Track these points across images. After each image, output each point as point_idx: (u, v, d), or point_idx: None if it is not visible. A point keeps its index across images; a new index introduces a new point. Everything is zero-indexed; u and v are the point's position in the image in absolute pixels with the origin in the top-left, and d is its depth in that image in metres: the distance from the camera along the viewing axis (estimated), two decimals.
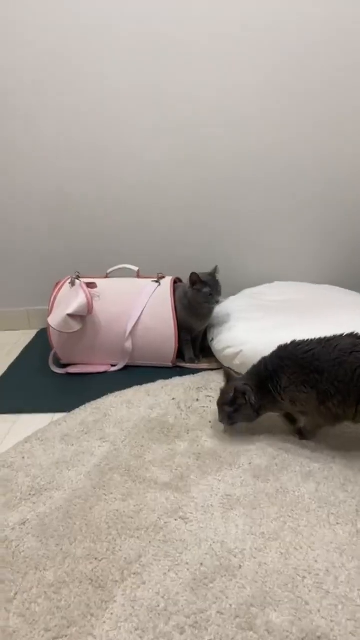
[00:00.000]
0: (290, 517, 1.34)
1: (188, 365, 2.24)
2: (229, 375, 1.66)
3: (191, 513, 1.36)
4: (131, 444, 1.69)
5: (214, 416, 1.78)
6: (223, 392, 1.62)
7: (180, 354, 2.26)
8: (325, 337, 1.55)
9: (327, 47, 2.31)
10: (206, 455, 1.60)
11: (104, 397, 2.00)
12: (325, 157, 2.51)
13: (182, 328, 2.22)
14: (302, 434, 1.64)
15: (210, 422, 1.77)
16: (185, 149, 2.49)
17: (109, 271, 2.35)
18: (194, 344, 2.30)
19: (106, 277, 2.35)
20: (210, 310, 2.20)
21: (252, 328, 2.05)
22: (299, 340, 1.58)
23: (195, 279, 2.14)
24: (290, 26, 2.28)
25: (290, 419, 1.71)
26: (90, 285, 2.19)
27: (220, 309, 2.34)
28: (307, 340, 1.56)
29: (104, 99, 2.40)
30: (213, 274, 2.14)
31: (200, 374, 2.15)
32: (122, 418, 1.85)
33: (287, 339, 1.62)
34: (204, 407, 1.87)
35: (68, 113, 2.42)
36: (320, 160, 2.52)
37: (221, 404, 1.62)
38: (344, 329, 1.56)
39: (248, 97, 2.40)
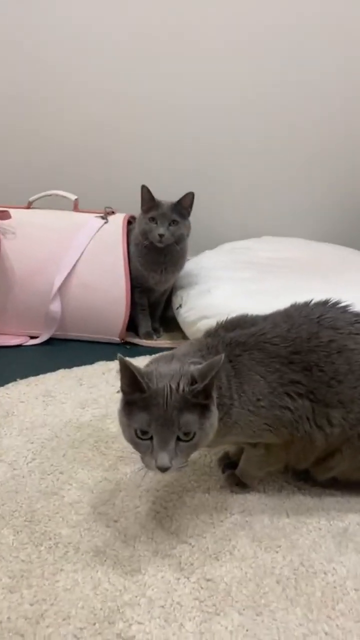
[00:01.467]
0: (327, 634, 0.71)
1: (143, 342, 1.57)
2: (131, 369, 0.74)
3: (140, 622, 0.71)
4: (42, 469, 1.00)
5: None
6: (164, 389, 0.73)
7: (132, 326, 1.58)
8: (291, 308, 0.92)
9: None
10: (168, 491, 0.95)
11: (10, 385, 1.30)
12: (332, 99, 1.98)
13: (137, 286, 1.53)
14: (237, 482, 0.96)
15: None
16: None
17: (32, 198, 1.61)
18: (152, 312, 1.63)
19: (28, 206, 1.62)
20: (172, 257, 1.51)
21: (241, 291, 1.40)
22: (253, 317, 0.92)
23: (144, 195, 1.47)
24: None
25: None
26: (0, 215, 1.46)
27: (191, 266, 1.67)
28: (265, 316, 0.92)
29: None
30: (178, 203, 1.47)
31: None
32: (34, 421, 1.15)
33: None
34: None
35: None
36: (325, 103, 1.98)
37: (176, 407, 0.72)
38: None
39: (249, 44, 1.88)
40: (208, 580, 0.77)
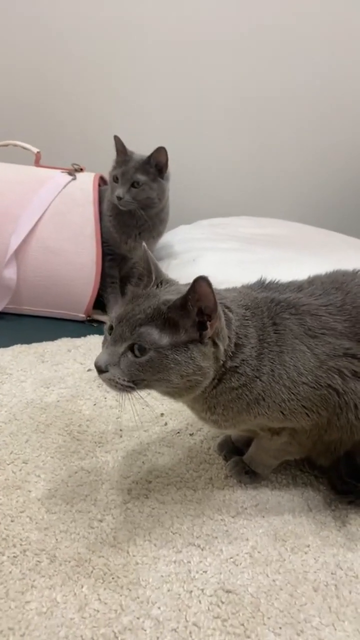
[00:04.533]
0: None
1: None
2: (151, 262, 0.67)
3: None
4: (0, 457, 0.79)
5: (167, 404, 0.95)
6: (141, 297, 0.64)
7: (97, 302, 1.37)
8: (337, 275, 0.76)
9: None
10: (163, 483, 0.76)
11: None
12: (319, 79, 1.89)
13: (108, 253, 1.34)
14: (246, 470, 0.78)
15: (162, 414, 0.93)
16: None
17: None
18: (123, 286, 1.43)
19: None
20: (145, 222, 1.31)
21: (229, 261, 1.25)
22: (294, 281, 0.76)
23: (116, 146, 1.28)
24: None
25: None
26: None
27: (167, 238, 1.50)
28: (308, 280, 0.76)
29: None
30: (147, 160, 1.26)
31: None
32: None
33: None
34: None
35: None
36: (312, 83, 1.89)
37: (138, 314, 0.61)
38: None
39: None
40: (228, 592, 0.60)
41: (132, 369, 0.59)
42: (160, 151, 1.26)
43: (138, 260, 1.39)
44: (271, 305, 0.68)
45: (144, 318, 0.60)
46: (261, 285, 0.74)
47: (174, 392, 0.64)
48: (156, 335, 0.59)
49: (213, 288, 0.58)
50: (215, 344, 0.62)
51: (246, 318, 0.66)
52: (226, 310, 0.65)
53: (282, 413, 0.67)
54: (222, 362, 0.64)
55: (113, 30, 1.68)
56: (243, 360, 0.65)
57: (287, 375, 0.65)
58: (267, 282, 0.74)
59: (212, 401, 0.67)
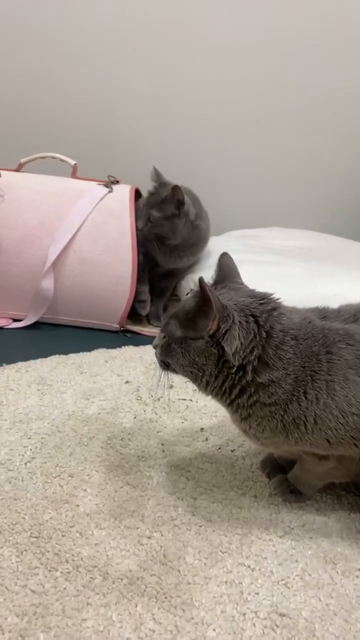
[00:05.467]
0: None
1: (144, 330, 1.38)
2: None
3: None
4: (46, 470, 0.79)
5: (209, 415, 0.95)
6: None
7: (131, 312, 1.38)
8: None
9: None
10: (208, 500, 0.76)
11: None
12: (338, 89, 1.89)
13: (142, 252, 1.36)
14: (290, 489, 0.78)
15: (202, 429, 0.94)
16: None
17: (24, 160, 1.39)
18: (159, 296, 1.44)
19: (18, 169, 1.40)
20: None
21: (267, 274, 1.24)
22: (351, 309, 0.75)
23: (151, 177, 1.38)
24: None
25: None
26: None
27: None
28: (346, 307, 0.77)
29: None
30: (164, 198, 1.32)
31: None
32: (29, 412, 0.94)
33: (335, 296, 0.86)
34: (184, 399, 1.02)
35: None
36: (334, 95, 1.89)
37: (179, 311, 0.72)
38: None
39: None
40: (282, 615, 0.60)
41: (162, 350, 0.71)
42: (174, 189, 1.29)
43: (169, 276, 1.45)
44: (328, 333, 0.68)
45: (174, 314, 0.71)
46: (319, 312, 0.74)
47: (191, 381, 0.71)
48: (173, 328, 0.69)
49: (208, 287, 0.64)
50: (220, 346, 0.65)
51: (285, 343, 0.66)
52: (251, 321, 0.66)
53: (328, 441, 0.66)
54: (234, 366, 0.66)
55: (142, 44, 1.71)
56: (272, 380, 0.66)
57: (336, 404, 0.65)
58: (325, 309, 0.74)
59: (244, 412, 0.69)
